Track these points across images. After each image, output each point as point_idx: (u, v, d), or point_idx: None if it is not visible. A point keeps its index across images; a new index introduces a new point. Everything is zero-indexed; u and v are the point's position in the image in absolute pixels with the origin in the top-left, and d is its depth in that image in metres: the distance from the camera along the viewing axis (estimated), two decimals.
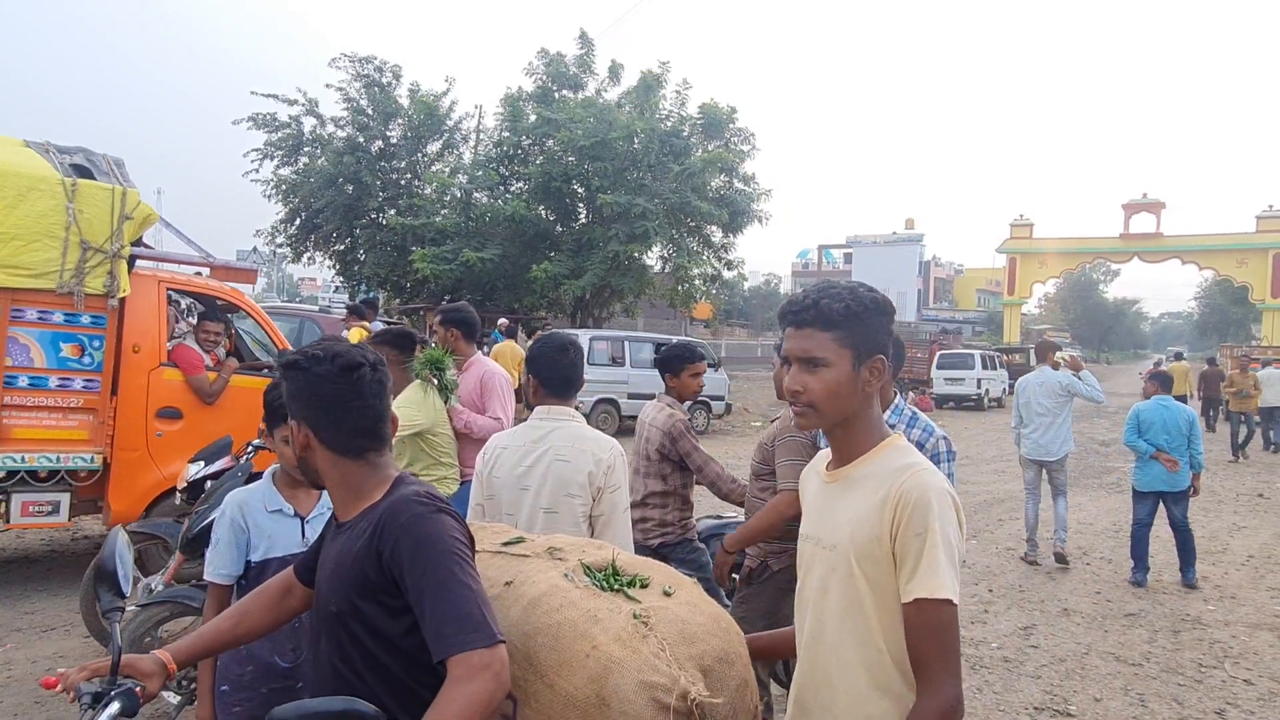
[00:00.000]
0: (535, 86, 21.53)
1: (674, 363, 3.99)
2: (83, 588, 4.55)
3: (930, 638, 1.40)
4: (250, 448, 4.25)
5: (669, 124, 20.32)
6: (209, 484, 4.33)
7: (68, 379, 5.13)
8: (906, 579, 1.43)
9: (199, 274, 6.25)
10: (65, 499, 5.23)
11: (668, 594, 1.67)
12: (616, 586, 1.67)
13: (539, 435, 2.63)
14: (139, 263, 5.49)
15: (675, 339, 17.34)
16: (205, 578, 2.28)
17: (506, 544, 1.88)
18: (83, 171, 5.27)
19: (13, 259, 4.84)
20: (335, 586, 1.53)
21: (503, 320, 16.17)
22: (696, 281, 21.36)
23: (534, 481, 2.57)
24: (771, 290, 62.68)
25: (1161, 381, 7.06)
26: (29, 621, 5.06)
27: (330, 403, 1.57)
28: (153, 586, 4.24)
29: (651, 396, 4.10)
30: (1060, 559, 7.16)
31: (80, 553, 6.52)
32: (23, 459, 4.99)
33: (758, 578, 3.36)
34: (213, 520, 3.46)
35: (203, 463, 4.62)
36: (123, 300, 5.22)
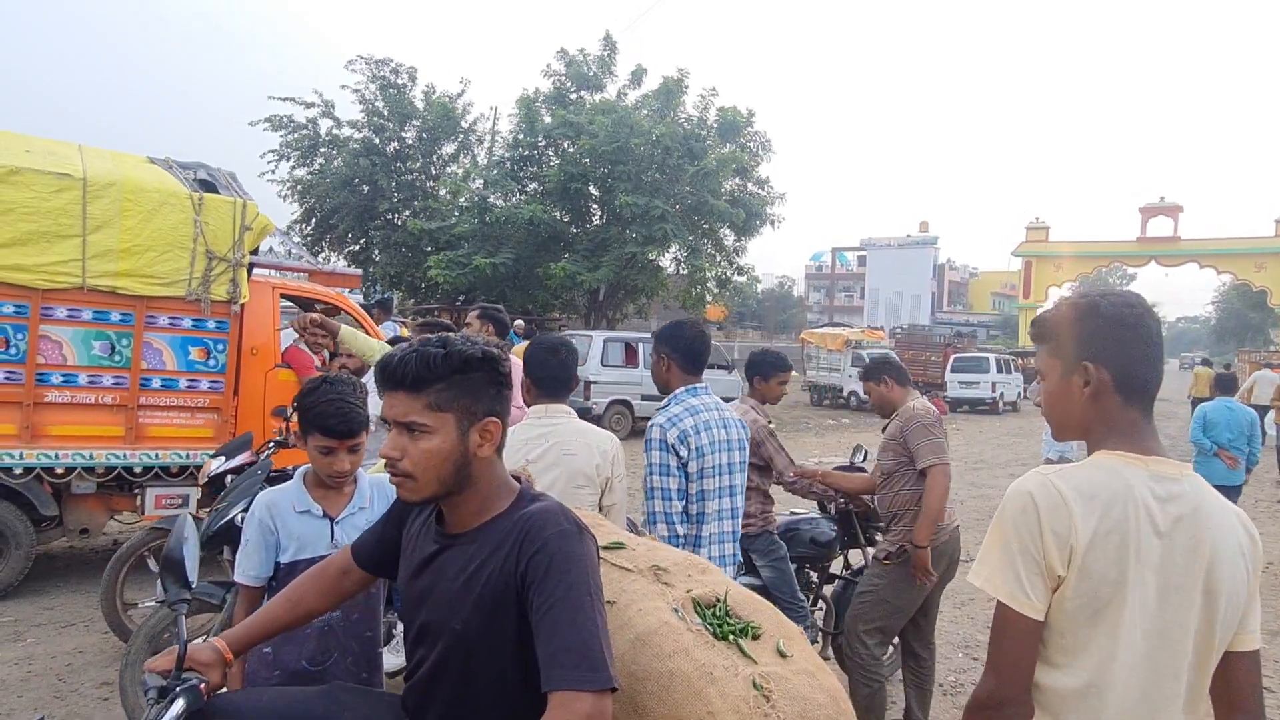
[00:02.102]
0: (553, 87, 21.55)
1: (766, 369, 4.19)
2: (103, 583, 4.59)
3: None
4: (271, 444, 4.29)
5: (687, 127, 20.31)
6: (230, 479, 4.37)
7: (195, 380, 5.51)
8: None
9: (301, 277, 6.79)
10: (194, 493, 5.56)
11: (783, 655, 1.59)
12: (730, 635, 1.59)
13: (540, 432, 2.71)
14: (254, 269, 5.85)
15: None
16: (235, 579, 2.27)
17: (606, 548, 1.76)
18: (206, 186, 5.62)
19: (148, 269, 5.21)
20: (463, 602, 1.45)
21: (519, 322, 16.17)
22: (710, 284, 21.35)
23: (544, 478, 2.62)
24: (785, 293, 62.21)
25: (1224, 385, 7.58)
26: (49, 617, 5.11)
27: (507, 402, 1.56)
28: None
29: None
30: None
31: (99, 548, 6.57)
32: (156, 456, 5.35)
33: (897, 559, 3.57)
34: (231, 518, 3.50)
35: (223, 458, 4.67)
36: (241, 305, 5.56)
